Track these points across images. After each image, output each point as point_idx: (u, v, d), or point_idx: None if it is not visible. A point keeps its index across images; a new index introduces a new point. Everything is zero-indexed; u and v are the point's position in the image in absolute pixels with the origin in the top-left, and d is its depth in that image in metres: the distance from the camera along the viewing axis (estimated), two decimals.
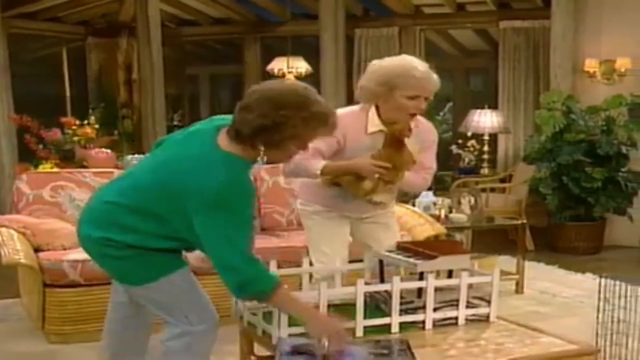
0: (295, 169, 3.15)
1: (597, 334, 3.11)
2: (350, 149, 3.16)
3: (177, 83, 10.40)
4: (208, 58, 11.43)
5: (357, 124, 3.19)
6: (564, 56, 7.06)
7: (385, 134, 3.14)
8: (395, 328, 2.72)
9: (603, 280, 3.10)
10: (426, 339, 2.67)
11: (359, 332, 2.66)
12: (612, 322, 3.08)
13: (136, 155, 4.86)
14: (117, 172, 4.65)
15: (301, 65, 9.12)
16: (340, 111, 3.10)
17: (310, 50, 9.02)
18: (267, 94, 2.40)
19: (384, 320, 2.73)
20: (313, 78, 9.20)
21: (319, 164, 3.12)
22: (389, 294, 2.73)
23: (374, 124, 3.19)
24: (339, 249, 3.32)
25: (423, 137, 3.30)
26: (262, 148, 2.44)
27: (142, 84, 8.64)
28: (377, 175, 3.12)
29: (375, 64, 3.23)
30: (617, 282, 3.01)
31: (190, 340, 2.55)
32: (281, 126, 2.37)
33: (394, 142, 3.11)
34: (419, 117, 3.26)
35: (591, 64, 6.99)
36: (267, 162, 2.67)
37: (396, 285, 2.71)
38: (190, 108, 11.35)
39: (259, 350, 2.90)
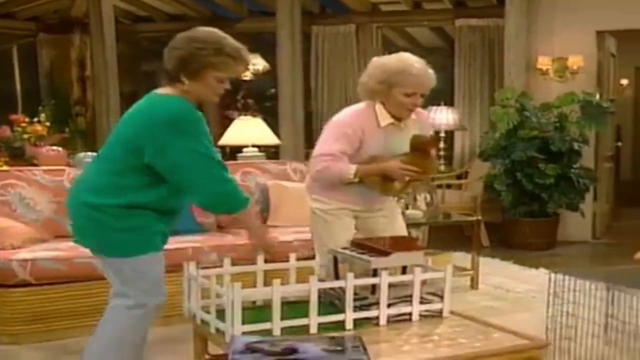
0: (326, 174, 3.32)
1: (547, 328, 3.15)
2: (368, 144, 3.32)
3: (133, 80, 10.26)
4: (163, 54, 11.29)
5: (369, 119, 3.34)
6: (518, 54, 7.15)
7: (412, 142, 3.32)
8: (349, 325, 2.72)
9: (553, 275, 3.15)
10: (380, 335, 2.68)
11: (313, 329, 2.66)
12: (562, 316, 3.12)
13: (89, 153, 4.79)
14: (68, 170, 4.59)
15: (258, 62, 9.08)
16: (351, 111, 3.40)
17: (267, 47, 8.99)
18: (186, 33, 2.82)
19: (338, 317, 2.73)
20: (270, 75, 9.19)
21: (352, 169, 3.28)
22: (343, 290, 2.73)
23: (385, 117, 3.34)
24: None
25: (422, 125, 3.50)
26: (186, 81, 2.74)
27: (96, 81, 8.51)
28: (407, 178, 3.34)
29: (375, 62, 3.38)
30: (567, 277, 3.05)
31: (143, 313, 2.80)
32: (196, 56, 2.74)
33: (421, 149, 3.33)
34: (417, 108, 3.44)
35: (544, 62, 7.10)
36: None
37: (350, 282, 2.71)
38: None
39: (213, 349, 2.89)
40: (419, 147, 3.33)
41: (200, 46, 2.76)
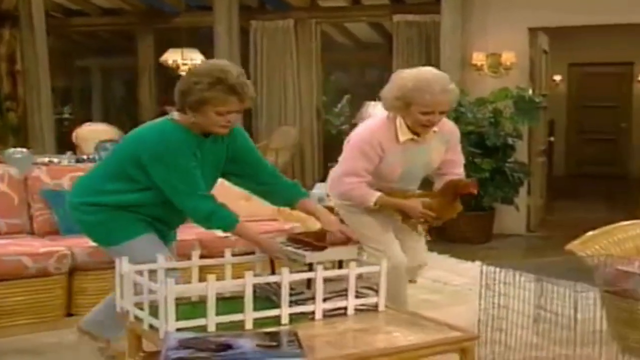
0: (349, 196, 3.43)
1: (479, 320, 3.21)
2: (387, 159, 3.36)
3: (66, 75, 10.08)
4: (99, 49, 11.13)
5: (389, 134, 3.36)
6: (453, 50, 7.27)
7: (450, 185, 3.36)
8: (285, 319, 2.72)
9: (484, 267, 3.21)
10: (315, 329, 2.69)
11: (249, 325, 2.65)
12: (493, 308, 3.19)
13: (19, 149, 4.69)
14: None
15: (196, 57, 9.01)
16: (371, 126, 3.45)
17: (205, 41, 8.93)
18: (191, 68, 3.06)
19: (274, 312, 2.73)
20: None
21: (373, 198, 3.35)
22: (278, 285, 2.73)
23: (405, 133, 3.35)
24: (391, 237, 3.50)
25: (448, 137, 3.49)
26: (190, 113, 2.91)
27: (27, 76, 8.32)
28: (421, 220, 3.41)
29: (394, 76, 3.37)
30: (497, 269, 3.11)
31: None
32: (192, 90, 2.88)
33: (450, 193, 3.36)
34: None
35: (478, 58, 7.24)
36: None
37: (285, 277, 2.71)
38: (81, 101, 11.03)
39: (148, 346, 2.85)
40: (450, 191, 3.36)
41: (196, 80, 2.88)
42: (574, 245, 3.67)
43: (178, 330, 2.52)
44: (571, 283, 2.96)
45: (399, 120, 3.35)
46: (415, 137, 3.36)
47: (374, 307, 2.91)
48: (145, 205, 3.06)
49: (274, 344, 2.35)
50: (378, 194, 3.35)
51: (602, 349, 2.96)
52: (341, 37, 10.59)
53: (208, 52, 8.74)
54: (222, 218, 3.00)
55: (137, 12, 9.32)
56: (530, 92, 7.27)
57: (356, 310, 2.86)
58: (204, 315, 2.60)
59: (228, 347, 2.30)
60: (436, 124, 3.34)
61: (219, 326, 2.62)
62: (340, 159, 3.52)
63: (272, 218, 4.80)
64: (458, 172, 3.56)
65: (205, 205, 2.96)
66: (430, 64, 8.16)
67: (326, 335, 2.62)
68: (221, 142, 3.08)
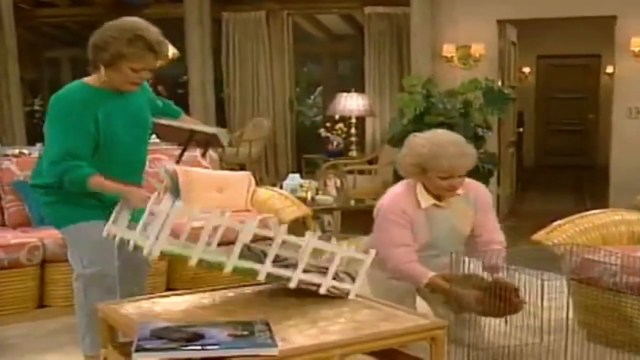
0: (399, 270, 3.24)
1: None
2: (414, 227, 3.27)
3: (35, 67, 9.97)
4: (68, 41, 11.00)
5: (409, 201, 3.28)
6: (424, 42, 7.34)
7: (493, 284, 3.08)
8: (262, 276, 2.75)
9: (454, 256, 3.23)
10: (287, 316, 2.70)
11: (228, 268, 2.70)
12: None
13: None
14: None
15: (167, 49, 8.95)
16: (391, 195, 3.34)
17: (177, 33, 8.88)
18: (107, 24, 2.98)
19: (254, 266, 2.75)
20: (180, 61, 9.07)
21: (425, 277, 3.16)
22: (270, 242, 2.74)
23: (426, 199, 3.28)
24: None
25: (475, 200, 3.38)
26: (103, 69, 2.94)
27: None
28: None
29: (409, 142, 3.31)
30: (465, 258, 3.15)
31: (83, 284, 3.09)
32: (108, 45, 2.90)
33: (496, 293, 3.08)
34: (465, 180, 3.32)
35: (449, 50, 7.32)
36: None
37: (280, 235, 2.75)
38: (51, 92, 10.92)
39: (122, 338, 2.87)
40: (497, 291, 3.04)
41: (115, 35, 2.89)
42: (540, 235, 3.73)
43: (162, 253, 2.62)
44: (538, 272, 2.98)
45: (419, 186, 3.29)
46: (438, 202, 3.29)
47: (346, 294, 2.93)
48: None
49: (246, 333, 2.37)
50: (431, 273, 3.17)
51: (568, 337, 3.02)
52: (313, 28, 10.60)
53: (179, 44, 8.70)
54: (75, 176, 2.96)
55: (106, 3, 9.23)
56: (500, 83, 7.36)
57: (328, 291, 2.88)
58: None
59: (200, 336, 2.32)
60: (458, 187, 3.27)
61: (200, 263, 2.70)
62: (374, 231, 3.40)
63: (245, 209, 4.82)
64: (497, 239, 3.40)
65: (61, 165, 2.96)
66: (401, 56, 8.35)
67: (297, 324, 2.63)
68: (140, 96, 3.17)
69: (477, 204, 3.39)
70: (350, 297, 2.95)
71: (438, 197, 3.30)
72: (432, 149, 3.20)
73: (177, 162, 3.76)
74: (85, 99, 3.01)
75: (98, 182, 2.98)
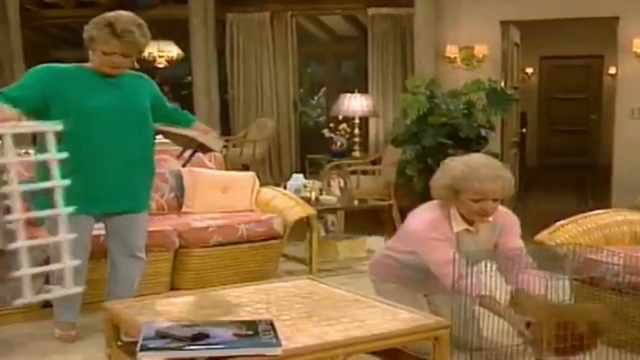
0: (460, 287, 3.06)
1: (452, 307, 3.27)
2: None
3: None
4: (74, 41, 11.03)
5: (442, 224, 3.23)
6: (427, 43, 7.36)
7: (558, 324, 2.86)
8: None
9: (457, 256, 3.24)
10: (291, 317, 2.71)
11: None
12: (466, 296, 3.22)
13: None
14: None
15: (172, 49, 9.02)
16: (426, 215, 3.26)
17: (181, 34, 8.92)
18: None
19: None
20: (185, 62, 9.12)
21: (478, 293, 3.04)
22: None
23: (458, 223, 3.24)
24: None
25: (501, 224, 3.32)
26: (90, 54, 3.30)
27: (1, 69, 8.25)
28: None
29: (443, 164, 3.28)
30: (469, 258, 3.14)
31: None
32: (87, 28, 3.26)
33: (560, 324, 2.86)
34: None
35: (452, 51, 7.34)
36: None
37: None
38: None
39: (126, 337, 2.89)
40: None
41: (95, 21, 3.25)
42: (543, 235, 3.74)
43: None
44: (541, 272, 3.00)
45: (453, 210, 3.25)
46: (470, 227, 3.26)
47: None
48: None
49: (250, 332, 2.38)
50: (479, 292, 3.03)
51: None
52: (317, 29, 10.61)
53: (184, 45, 8.74)
54: None
55: (112, 4, 9.22)
56: (503, 84, 7.37)
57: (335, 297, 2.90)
58: None
59: (205, 336, 2.33)
60: (491, 213, 3.22)
61: None
62: (425, 258, 3.25)
63: (249, 209, 4.84)
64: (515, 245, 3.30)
65: None
66: (405, 57, 8.36)
67: (300, 324, 2.64)
68: (136, 84, 3.45)
69: (504, 226, 3.34)
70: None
71: (470, 223, 3.28)
72: (465, 171, 3.17)
73: (183, 165, 3.83)
74: (63, 71, 3.34)
75: None
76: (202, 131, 3.58)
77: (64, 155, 2.85)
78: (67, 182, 2.85)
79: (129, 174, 3.40)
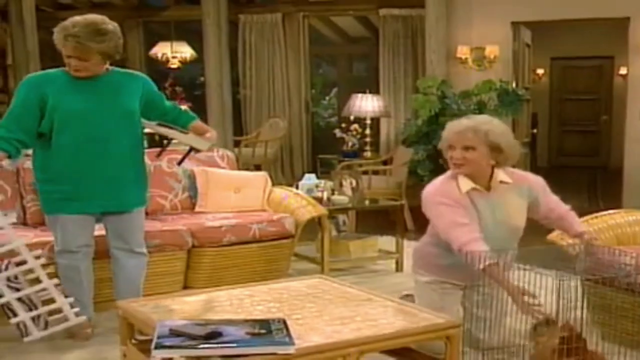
0: (463, 255, 3.09)
1: (464, 307, 3.28)
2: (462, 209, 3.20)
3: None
4: None
5: (450, 187, 3.25)
6: (439, 43, 7.37)
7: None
8: None
9: (469, 256, 3.25)
10: (303, 316, 2.72)
11: None
12: (478, 295, 3.24)
13: None
14: None
15: (185, 50, 9.06)
16: (435, 181, 3.33)
17: (194, 35, 8.97)
18: None
19: None
20: (198, 63, 9.16)
21: (481, 262, 3.02)
22: None
23: (465, 184, 3.24)
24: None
25: (528, 191, 3.35)
26: None
27: (17, 70, 8.34)
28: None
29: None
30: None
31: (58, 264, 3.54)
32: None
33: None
34: (513, 171, 3.36)
35: (463, 51, 7.34)
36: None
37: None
38: None
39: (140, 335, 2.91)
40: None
41: (58, 26, 3.37)
42: (555, 235, 3.74)
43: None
44: (553, 271, 2.98)
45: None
46: (477, 186, 3.25)
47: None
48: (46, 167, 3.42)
49: (263, 331, 2.40)
50: (490, 260, 3.02)
51: (583, 336, 3.02)
52: (329, 30, 10.64)
53: (197, 46, 8.78)
54: None
55: (126, 5, 9.33)
56: (514, 85, 7.38)
57: (347, 296, 2.90)
58: None
59: (218, 334, 2.35)
60: (461, 162, 3.22)
61: None
62: (435, 225, 3.30)
63: (262, 209, 4.87)
64: (568, 211, 3.44)
65: None
66: (416, 57, 8.38)
67: (313, 323, 2.65)
68: (121, 84, 3.50)
69: (536, 195, 3.37)
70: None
71: (479, 182, 3.28)
72: (447, 126, 3.32)
73: (178, 164, 3.98)
74: (41, 78, 3.43)
75: None
76: (200, 130, 3.65)
77: None
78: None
79: (118, 173, 3.47)
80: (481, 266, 3.03)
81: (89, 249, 3.57)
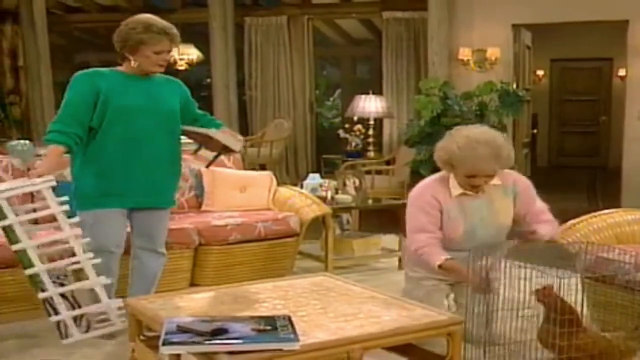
0: (420, 253, 3.30)
1: (466, 305, 3.30)
2: (447, 210, 3.32)
3: (67, 70, 10.12)
4: (98, 45, 11.18)
5: (441, 189, 3.33)
6: (441, 45, 7.42)
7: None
8: None
9: (471, 255, 3.27)
10: (307, 312, 2.75)
11: None
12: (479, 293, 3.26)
13: (21, 141, 4.75)
14: (0, 158, 4.50)
15: (192, 52, 9.13)
16: (424, 183, 3.41)
17: (201, 37, 9.02)
18: (124, 22, 3.45)
19: None
20: (205, 64, 9.21)
21: (439, 259, 3.23)
22: None
23: (456, 188, 3.32)
24: None
25: (513, 189, 3.41)
26: (131, 57, 3.41)
27: (28, 71, 8.42)
28: None
29: (451, 135, 3.33)
30: (483, 257, 3.18)
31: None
32: (130, 35, 3.38)
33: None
34: (505, 171, 3.39)
35: (465, 53, 7.39)
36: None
37: None
38: None
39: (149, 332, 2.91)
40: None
41: (132, 27, 3.37)
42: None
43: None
44: (554, 270, 3.00)
45: (451, 177, 3.34)
46: (467, 191, 3.33)
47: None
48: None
49: (269, 328, 2.42)
50: (446, 256, 3.23)
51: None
52: (333, 33, 10.69)
53: (204, 48, 8.83)
54: (48, 135, 3.36)
55: (134, 8, 9.35)
56: (514, 86, 7.43)
57: (350, 294, 2.94)
58: None
59: (224, 331, 2.37)
60: (481, 186, 3.29)
61: None
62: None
63: (267, 208, 4.91)
64: (544, 217, 3.45)
65: (50, 126, 3.38)
66: (418, 59, 8.43)
67: (317, 319, 2.67)
68: (167, 87, 3.59)
69: (519, 193, 3.43)
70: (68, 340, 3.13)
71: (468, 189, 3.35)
72: (463, 147, 3.23)
73: (207, 166, 4.04)
74: (95, 73, 3.45)
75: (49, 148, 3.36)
76: (227, 134, 3.69)
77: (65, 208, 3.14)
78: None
79: (158, 172, 3.52)
80: (438, 263, 3.22)
81: (120, 250, 3.58)
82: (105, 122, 3.39)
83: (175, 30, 3.45)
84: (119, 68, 3.50)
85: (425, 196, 3.33)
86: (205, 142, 3.66)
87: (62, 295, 3.10)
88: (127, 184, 3.45)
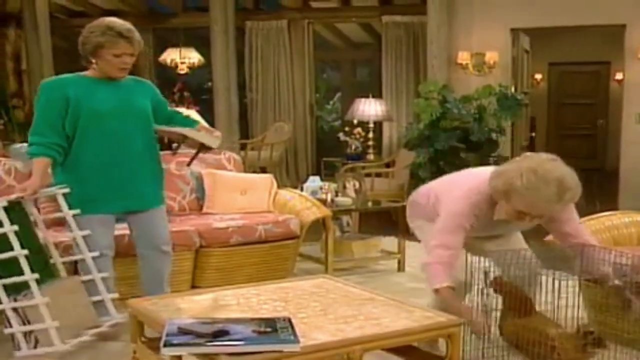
0: (425, 266, 3.17)
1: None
2: (477, 226, 3.17)
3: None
4: None
5: (485, 210, 3.13)
6: (440, 49, 7.45)
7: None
8: None
9: (470, 256, 3.29)
10: (308, 315, 2.76)
11: None
12: (477, 295, 3.28)
13: (25, 144, 4.78)
14: (3, 161, 4.51)
15: (193, 56, 9.16)
16: (471, 201, 3.12)
17: (202, 41, 9.06)
18: (88, 25, 3.48)
19: None
20: (206, 68, 9.24)
21: (439, 284, 3.06)
22: None
23: (501, 214, 3.11)
24: None
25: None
26: (93, 61, 3.43)
27: (32, 75, 8.44)
28: None
29: (518, 161, 3.11)
30: (482, 258, 3.19)
31: (81, 266, 3.54)
32: (89, 38, 3.41)
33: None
34: None
35: (463, 57, 7.43)
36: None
37: None
38: None
39: (150, 333, 2.92)
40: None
41: (91, 30, 3.40)
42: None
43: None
44: (551, 271, 3.01)
45: (501, 202, 3.10)
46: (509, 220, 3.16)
47: None
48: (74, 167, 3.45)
49: (269, 330, 2.42)
50: (448, 283, 3.05)
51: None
52: (333, 36, 10.72)
53: (205, 51, 8.86)
54: (29, 148, 3.42)
55: (136, 13, 9.43)
56: (513, 89, 7.47)
57: (350, 296, 2.96)
58: None
59: (225, 333, 2.38)
60: (528, 226, 3.21)
61: None
62: (437, 224, 3.21)
63: (267, 210, 4.94)
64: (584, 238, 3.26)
65: (29, 139, 3.43)
66: (417, 63, 8.47)
67: (317, 321, 2.67)
68: (136, 88, 3.58)
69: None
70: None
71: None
72: (527, 187, 2.97)
73: (188, 165, 3.98)
74: (60, 81, 3.46)
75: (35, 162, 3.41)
76: (204, 131, 3.70)
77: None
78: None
79: (139, 173, 3.55)
80: (436, 286, 3.06)
81: (111, 253, 3.62)
82: (79, 129, 3.40)
83: (135, 34, 3.44)
84: (86, 73, 3.50)
85: (469, 217, 3.14)
86: (182, 140, 3.67)
87: (14, 309, 3.23)
88: (110, 188, 3.48)
